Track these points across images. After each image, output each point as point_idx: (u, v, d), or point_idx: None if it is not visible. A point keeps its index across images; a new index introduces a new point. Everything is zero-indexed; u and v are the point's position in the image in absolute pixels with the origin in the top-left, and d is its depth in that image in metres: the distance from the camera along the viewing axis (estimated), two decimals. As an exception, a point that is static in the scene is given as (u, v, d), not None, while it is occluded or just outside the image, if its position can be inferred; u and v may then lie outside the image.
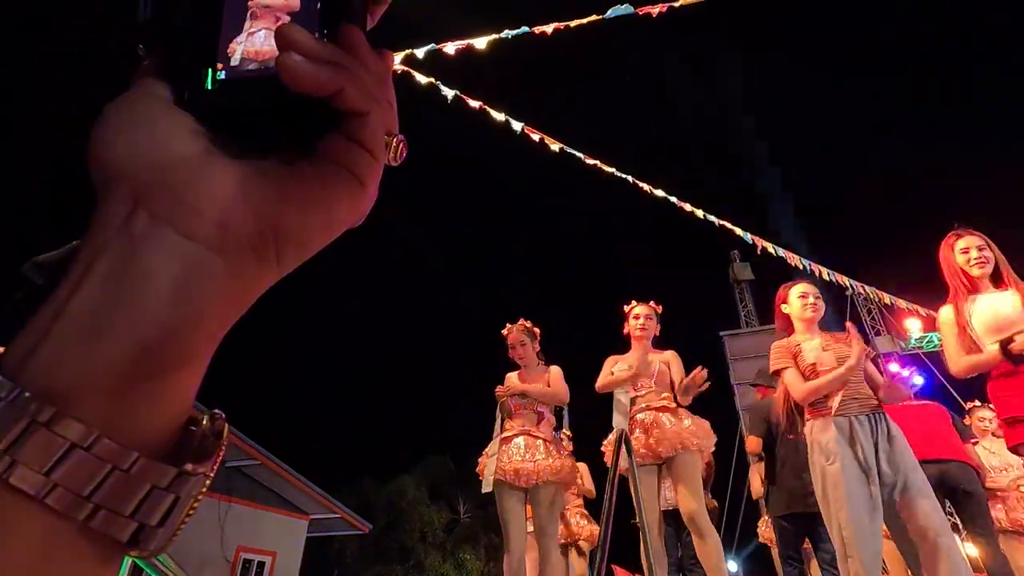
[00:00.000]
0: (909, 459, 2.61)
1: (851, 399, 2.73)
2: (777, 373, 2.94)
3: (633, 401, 3.36)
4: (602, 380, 3.45)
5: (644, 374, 3.34)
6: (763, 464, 4.27)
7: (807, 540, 4.13)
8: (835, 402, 2.71)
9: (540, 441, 3.27)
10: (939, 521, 2.47)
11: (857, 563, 2.46)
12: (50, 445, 0.21)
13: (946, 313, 2.76)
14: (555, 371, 3.47)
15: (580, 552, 5.39)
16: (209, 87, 0.28)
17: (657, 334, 3.58)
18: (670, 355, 3.47)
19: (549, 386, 3.39)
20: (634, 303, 3.67)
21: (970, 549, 3.89)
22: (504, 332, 3.61)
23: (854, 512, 2.53)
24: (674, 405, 3.31)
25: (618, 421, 3.21)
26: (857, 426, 2.66)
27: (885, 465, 2.60)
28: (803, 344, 2.90)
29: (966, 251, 2.77)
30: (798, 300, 3.03)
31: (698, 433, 3.22)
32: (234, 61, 0.28)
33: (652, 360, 3.43)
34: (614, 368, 3.45)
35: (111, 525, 0.21)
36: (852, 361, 2.68)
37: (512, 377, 3.53)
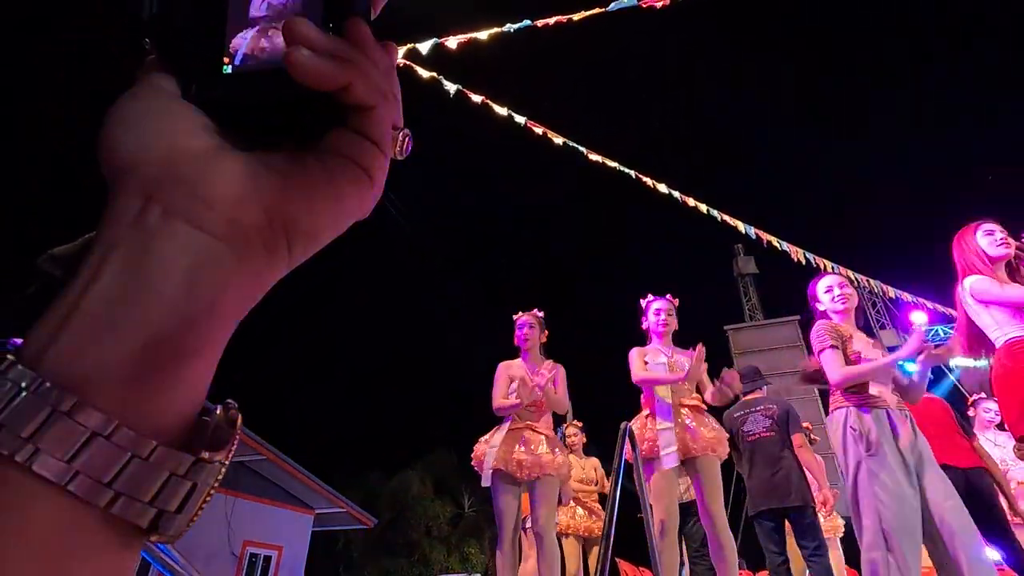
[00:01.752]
0: (928, 451, 2.58)
1: (889, 393, 2.69)
2: (820, 351, 2.82)
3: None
4: (642, 374, 3.37)
5: (690, 380, 3.27)
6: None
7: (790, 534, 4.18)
8: (873, 391, 2.64)
9: (543, 436, 3.33)
10: (954, 503, 2.41)
11: (900, 555, 2.37)
12: (71, 433, 0.21)
13: (979, 279, 2.59)
14: (562, 373, 3.48)
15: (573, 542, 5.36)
16: (216, 81, 0.28)
17: (676, 328, 3.53)
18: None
19: (555, 385, 3.41)
20: (651, 296, 3.60)
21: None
22: (516, 316, 3.65)
23: (899, 505, 2.44)
24: (704, 406, 3.30)
25: (662, 424, 3.22)
26: (896, 420, 2.61)
27: (913, 455, 2.55)
28: (853, 332, 2.82)
29: (991, 232, 2.69)
30: (825, 295, 2.97)
31: (721, 441, 3.23)
32: (243, 54, 0.28)
33: (683, 361, 3.39)
34: (646, 359, 3.40)
35: (131, 511, 0.22)
36: (903, 352, 2.57)
37: (515, 365, 3.52)
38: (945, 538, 2.41)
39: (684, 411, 3.27)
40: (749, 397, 4.48)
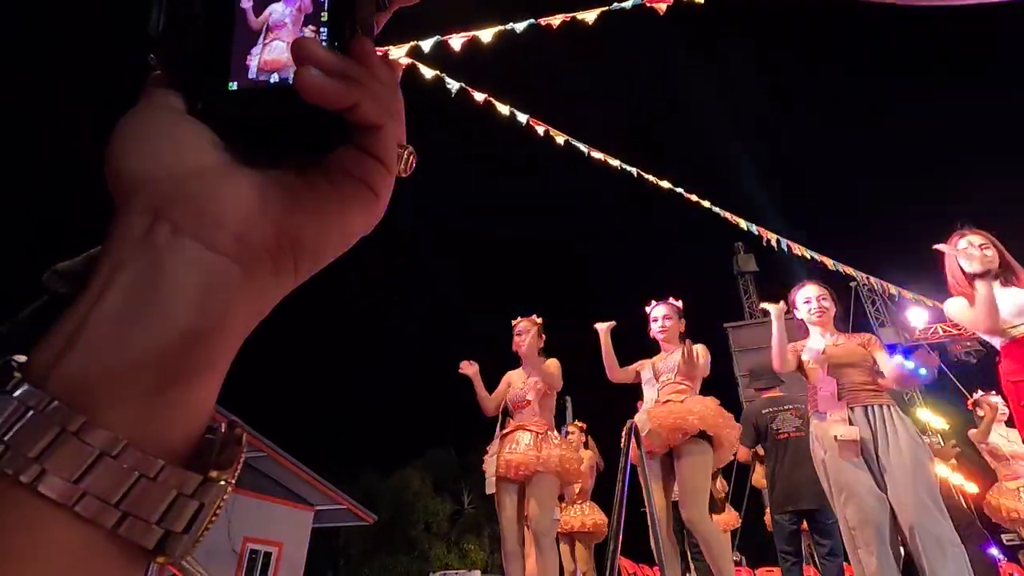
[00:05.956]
0: (906, 446, 2.59)
1: (848, 391, 2.74)
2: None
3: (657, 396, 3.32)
4: (613, 372, 3.44)
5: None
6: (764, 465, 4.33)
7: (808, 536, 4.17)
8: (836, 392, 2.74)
9: (534, 433, 3.31)
10: (918, 503, 2.45)
11: (866, 553, 2.44)
12: (79, 454, 0.21)
13: (959, 300, 2.67)
14: (552, 361, 3.48)
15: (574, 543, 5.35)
16: (223, 98, 0.28)
17: (682, 331, 3.46)
18: (694, 345, 3.32)
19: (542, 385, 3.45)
20: (653, 303, 3.56)
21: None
22: (515, 322, 3.65)
23: (858, 500, 2.52)
24: (683, 395, 3.18)
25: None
26: (854, 417, 2.67)
27: (884, 455, 2.59)
28: (813, 342, 2.97)
29: (968, 245, 2.70)
30: (804, 306, 3.03)
31: (698, 412, 3.02)
32: (249, 72, 0.28)
33: (671, 356, 3.35)
34: (641, 370, 3.43)
35: (138, 532, 0.22)
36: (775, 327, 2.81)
37: (514, 374, 3.55)
38: (897, 514, 2.47)
39: (658, 407, 3.22)
40: (772, 395, 4.46)
